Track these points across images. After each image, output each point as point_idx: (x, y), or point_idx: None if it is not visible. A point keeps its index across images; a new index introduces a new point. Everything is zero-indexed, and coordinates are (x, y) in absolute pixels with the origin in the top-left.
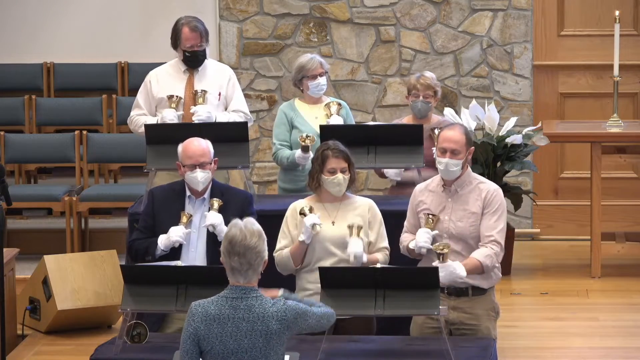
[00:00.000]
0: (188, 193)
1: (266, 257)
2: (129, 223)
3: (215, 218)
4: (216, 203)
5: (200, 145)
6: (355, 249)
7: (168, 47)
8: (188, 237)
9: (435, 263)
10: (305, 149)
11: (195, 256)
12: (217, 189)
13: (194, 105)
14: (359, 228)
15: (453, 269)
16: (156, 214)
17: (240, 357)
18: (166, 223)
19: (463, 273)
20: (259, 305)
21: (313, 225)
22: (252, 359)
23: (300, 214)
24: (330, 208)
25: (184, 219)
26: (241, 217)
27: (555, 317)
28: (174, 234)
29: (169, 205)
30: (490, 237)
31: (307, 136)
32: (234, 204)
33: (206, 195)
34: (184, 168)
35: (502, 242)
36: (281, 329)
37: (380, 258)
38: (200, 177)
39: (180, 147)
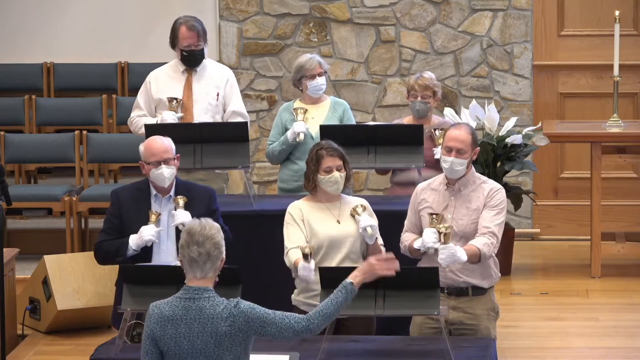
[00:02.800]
0: (154, 192)
1: (224, 256)
2: None
3: (183, 216)
4: (181, 200)
5: (163, 142)
6: (369, 222)
7: (168, 47)
8: (158, 236)
9: (437, 245)
10: (297, 114)
11: (167, 255)
12: (181, 186)
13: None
14: (363, 207)
15: (454, 252)
16: (123, 215)
17: (195, 357)
18: (134, 223)
19: (464, 257)
20: (210, 306)
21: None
22: None
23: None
24: (332, 207)
25: (153, 218)
26: (207, 212)
27: (555, 317)
28: (146, 233)
29: (136, 205)
30: (488, 229)
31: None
32: (199, 200)
33: (172, 192)
34: (149, 166)
35: (499, 236)
36: (232, 330)
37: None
38: (166, 173)
39: (142, 147)
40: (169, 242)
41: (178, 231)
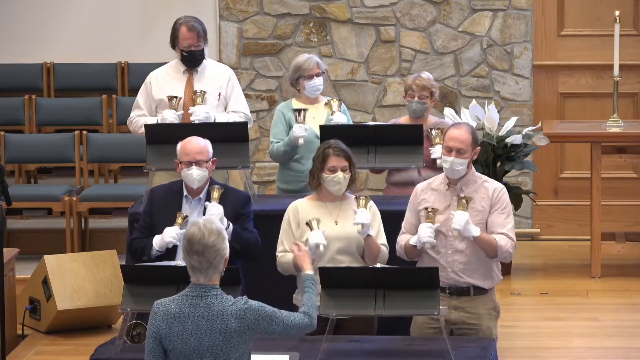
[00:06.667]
0: (185, 192)
1: (227, 255)
2: (129, 223)
3: (215, 209)
4: (217, 192)
5: (198, 143)
6: (363, 219)
7: (168, 47)
8: (180, 238)
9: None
10: (299, 114)
11: None
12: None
13: (193, 106)
14: (367, 198)
15: (469, 221)
16: (154, 213)
17: (202, 355)
18: (164, 222)
19: (476, 232)
20: (219, 303)
21: (317, 245)
22: (214, 357)
23: (307, 224)
24: (332, 207)
25: (179, 220)
26: (234, 215)
27: (555, 317)
28: (168, 235)
29: (167, 204)
30: (505, 234)
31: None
32: (229, 202)
33: (202, 195)
34: (181, 165)
35: (515, 239)
36: (241, 328)
37: (383, 249)
38: (195, 174)
39: (179, 145)
40: None
41: None
